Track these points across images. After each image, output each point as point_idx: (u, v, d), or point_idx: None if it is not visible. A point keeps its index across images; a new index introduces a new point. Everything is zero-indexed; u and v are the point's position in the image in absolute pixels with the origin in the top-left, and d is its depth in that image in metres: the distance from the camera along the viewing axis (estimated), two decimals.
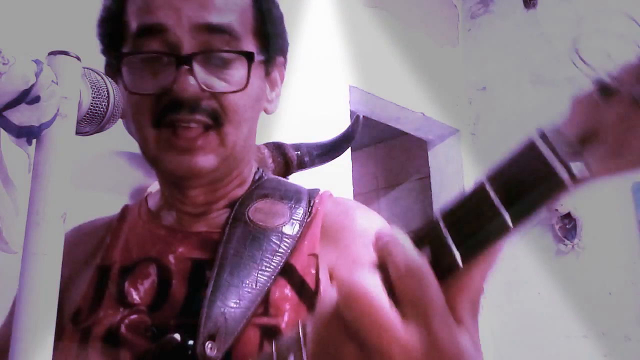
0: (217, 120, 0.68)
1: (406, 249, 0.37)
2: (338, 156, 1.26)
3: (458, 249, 0.36)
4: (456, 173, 2.71)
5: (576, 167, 0.34)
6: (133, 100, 0.70)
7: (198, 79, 0.66)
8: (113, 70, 0.71)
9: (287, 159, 1.08)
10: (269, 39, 0.75)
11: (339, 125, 1.62)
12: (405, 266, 0.36)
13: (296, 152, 1.12)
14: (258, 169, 0.81)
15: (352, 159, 2.04)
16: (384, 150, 3.42)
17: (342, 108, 2.08)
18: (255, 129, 0.76)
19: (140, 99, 0.69)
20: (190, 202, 0.74)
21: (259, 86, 0.73)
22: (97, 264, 0.74)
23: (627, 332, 2.23)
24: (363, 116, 1.26)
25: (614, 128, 0.34)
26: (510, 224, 0.35)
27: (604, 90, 0.34)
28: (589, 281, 2.33)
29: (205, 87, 0.67)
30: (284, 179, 0.83)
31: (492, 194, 0.36)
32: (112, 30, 0.73)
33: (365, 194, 3.33)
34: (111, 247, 0.76)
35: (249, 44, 0.72)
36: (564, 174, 0.34)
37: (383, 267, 0.37)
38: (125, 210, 0.82)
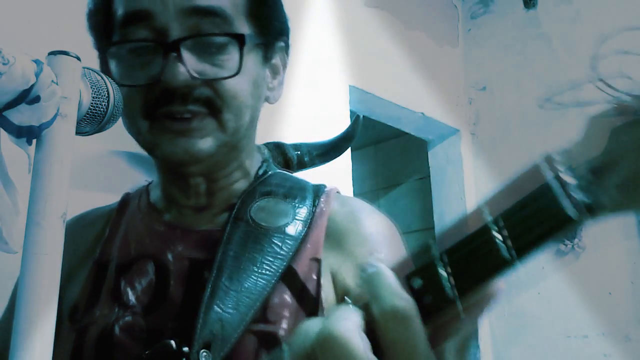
0: (212, 108, 0.65)
1: (392, 285, 0.35)
2: (338, 156, 1.26)
3: (455, 286, 0.34)
4: (456, 173, 2.71)
5: (585, 203, 0.31)
6: (123, 94, 0.66)
7: (188, 66, 0.62)
8: (103, 64, 0.68)
9: (287, 159, 1.07)
10: (266, 22, 0.71)
11: (339, 125, 1.62)
12: (391, 306, 0.34)
13: (296, 152, 1.11)
14: (262, 163, 0.77)
15: (352, 159, 2.04)
16: (384, 150, 3.41)
17: (342, 108, 2.07)
18: (256, 119, 0.72)
19: (130, 92, 0.65)
20: (192, 193, 0.71)
21: (257, 72, 0.69)
22: (95, 258, 0.72)
23: (627, 332, 2.23)
24: (363, 116, 1.26)
25: (633, 157, 0.30)
26: (512, 259, 0.33)
27: (628, 114, 0.31)
28: (589, 281, 2.33)
29: (195, 74, 0.63)
30: (290, 174, 0.79)
31: (494, 230, 0.33)
32: (101, 22, 0.69)
33: (365, 194, 3.33)
34: (109, 241, 0.73)
35: (243, 27, 0.67)
36: (571, 212, 0.31)
37: (367, 301, 0.36)
38: (125, 199, 0.79)
